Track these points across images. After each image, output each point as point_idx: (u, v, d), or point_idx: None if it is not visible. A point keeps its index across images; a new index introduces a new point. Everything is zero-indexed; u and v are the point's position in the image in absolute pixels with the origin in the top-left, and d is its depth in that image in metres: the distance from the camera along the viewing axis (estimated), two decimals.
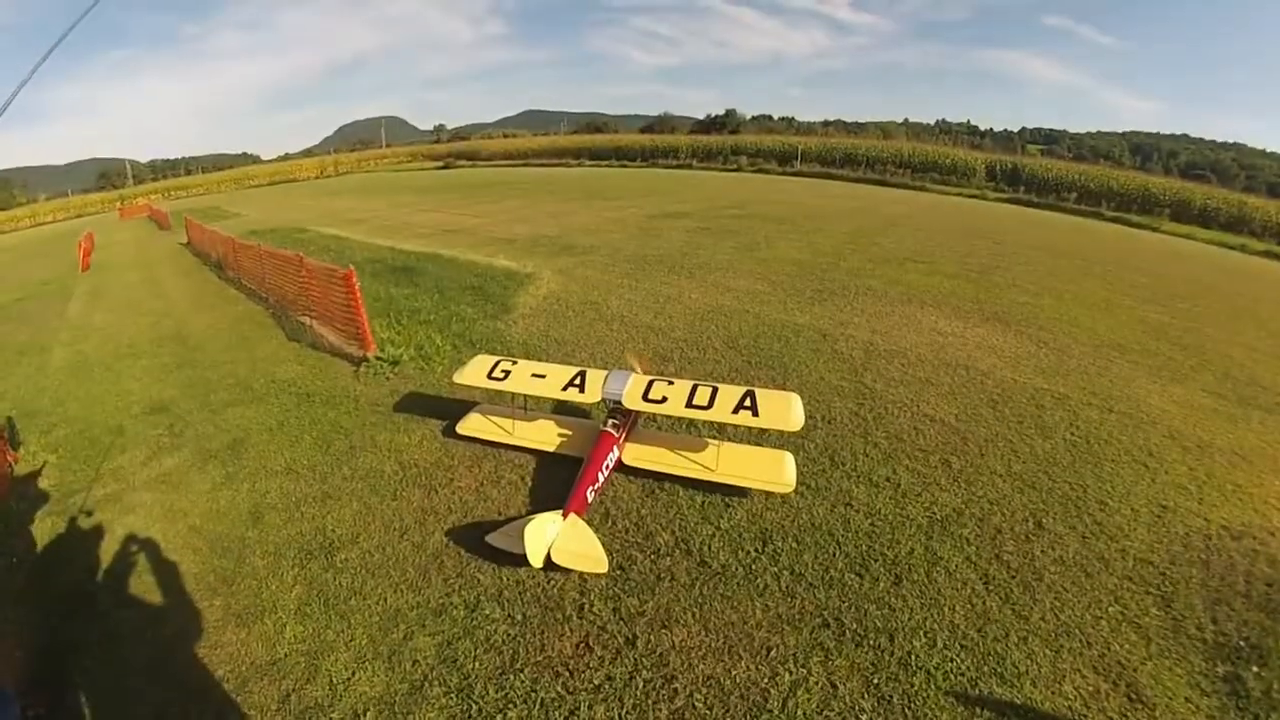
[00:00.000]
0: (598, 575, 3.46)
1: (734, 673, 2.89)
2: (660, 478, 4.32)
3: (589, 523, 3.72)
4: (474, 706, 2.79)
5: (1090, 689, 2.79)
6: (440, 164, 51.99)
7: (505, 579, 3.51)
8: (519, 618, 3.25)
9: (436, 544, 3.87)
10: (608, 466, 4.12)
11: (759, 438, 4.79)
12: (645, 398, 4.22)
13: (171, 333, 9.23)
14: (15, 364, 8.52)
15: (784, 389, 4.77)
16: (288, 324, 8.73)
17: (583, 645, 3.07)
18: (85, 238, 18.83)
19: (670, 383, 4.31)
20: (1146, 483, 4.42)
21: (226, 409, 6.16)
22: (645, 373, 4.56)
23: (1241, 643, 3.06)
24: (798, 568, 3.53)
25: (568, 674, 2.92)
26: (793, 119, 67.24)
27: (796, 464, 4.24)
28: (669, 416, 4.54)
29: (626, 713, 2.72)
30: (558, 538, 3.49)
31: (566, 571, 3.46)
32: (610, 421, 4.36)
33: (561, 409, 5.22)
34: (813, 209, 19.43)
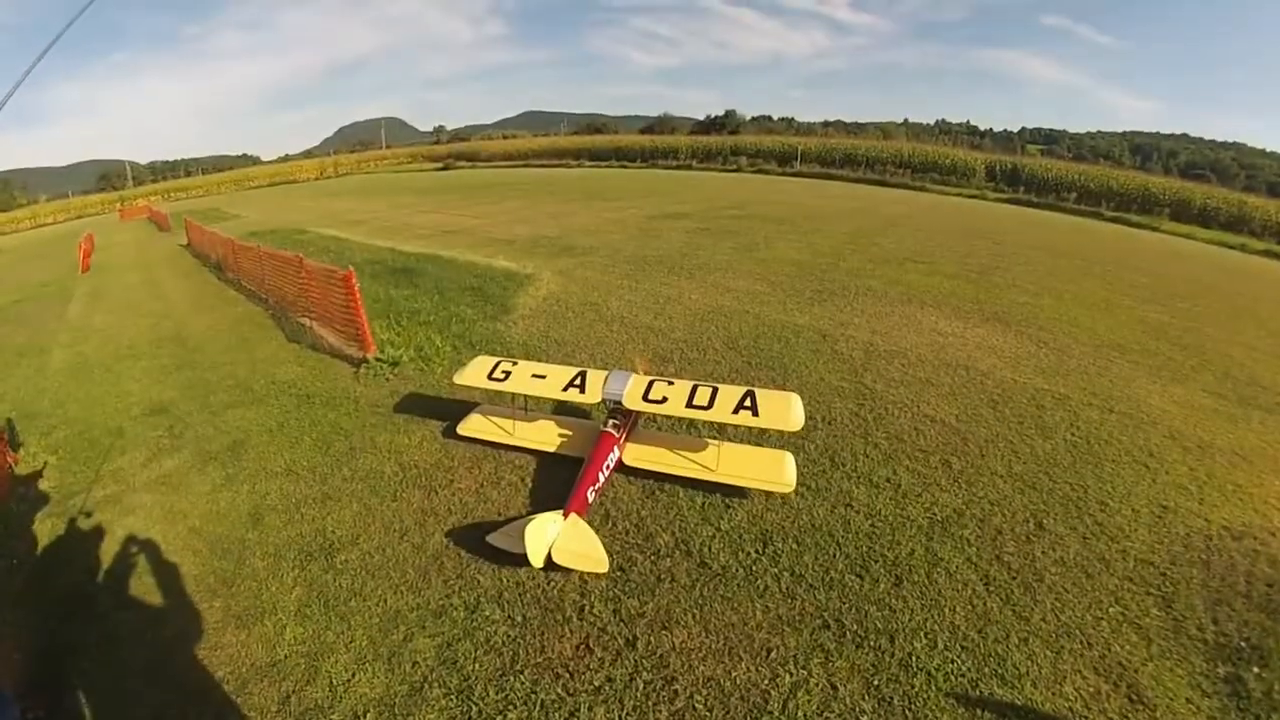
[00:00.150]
0: (598, 576, 3.46)
1: (734, 674, 2.89)
2: (660, 478, 4.31)
3: (589, 523, 3.72)
4: (474, 708, 2.79)
5: (1091, 690, 2.79)
6: (440, 165, 51.99)
7: (505, 580, 3.51)
8: (519, 619, 3.25)
9: (436, 545, 3.86)
10: (608, 467, 4.12)
11: (759, 438, 4.79)
12: (645, 398, 4.22)
13: (171, 334, 9.23)
14: (15, 365, 8.53)
15: (784, 389, 4.77)
16: (287, 325, 8.73)
17: (583, 646, 3.07)
18: (85, 239, 18.87)
19: (670, 383, 4.31)
20: (1147, 483, 4.42)
21: (226, 410, 6.16)
22: (646, 373, 4.56)
23: (1242, 643, 3.05)
24: (798, 569, 3.53)
25: (568, 675, 2.92)
26: (792, 119, 67.31)
27: (797, 464, 4.24)
28: (669, 417, 4.54)
29: (627, 714, 2.72)
30: (558, 538, 3.49)
31: (567, 572, 3.46)
32: (610, 422, 4.36)
33: (562, 409, 5.22)
34: (812, 209, 19.42)
